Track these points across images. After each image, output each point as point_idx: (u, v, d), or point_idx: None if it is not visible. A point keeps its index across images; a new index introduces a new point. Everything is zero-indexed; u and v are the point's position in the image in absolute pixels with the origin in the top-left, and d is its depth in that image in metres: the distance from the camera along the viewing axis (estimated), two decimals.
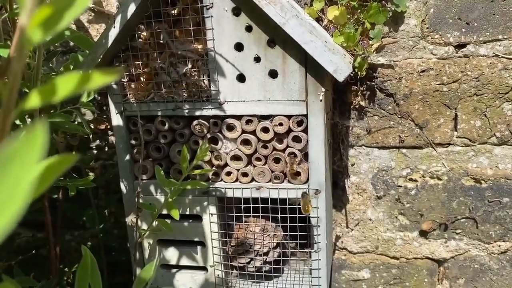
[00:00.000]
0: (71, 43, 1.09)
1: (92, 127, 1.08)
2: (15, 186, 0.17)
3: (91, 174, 1.21)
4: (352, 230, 1.11)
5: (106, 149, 1.20)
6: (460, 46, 0.94)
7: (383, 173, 1.05)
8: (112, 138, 1.20)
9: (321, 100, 0.79)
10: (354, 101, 1.00)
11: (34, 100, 0.27)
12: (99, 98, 1.10)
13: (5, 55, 0.65)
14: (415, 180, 1.04)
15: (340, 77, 0.74)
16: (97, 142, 1.20)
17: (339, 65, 0.74)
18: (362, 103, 0.99)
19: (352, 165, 1.06)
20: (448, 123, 0.98)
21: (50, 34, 0.28)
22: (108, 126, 1.13)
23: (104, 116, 1.11)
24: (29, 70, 0.75)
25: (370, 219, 1.09)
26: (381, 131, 1.02)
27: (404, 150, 1.02)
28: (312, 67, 0.78)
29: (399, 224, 1.08)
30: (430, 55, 0.95)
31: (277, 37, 0.78)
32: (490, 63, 0.93)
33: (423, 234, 1.07)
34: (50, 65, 0.86)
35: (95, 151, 1.20)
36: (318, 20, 0.92)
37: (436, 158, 1.01)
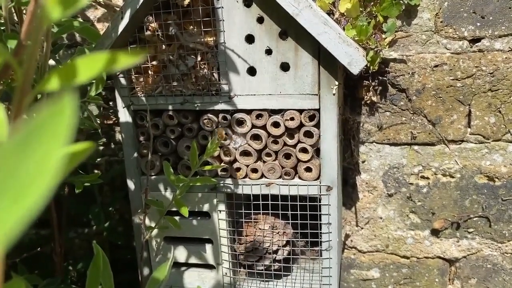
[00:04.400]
0: (78, 37, 1.08)
1: (99, 122, 1.06)
2: (42, 163, 0.15)
3: (96, 171, 1.19)
4: (362, 228, 1.09)
5: (112, 145, 1.18)
6: (474, 40, 0.92)
7: (394, 170, 1.03)
8: (117, 135, 1.18)
9: (334, 94, 0.77)
10: (365, 97, 0.98)
11: (53, 83, 0.25)
12: (104, 93, 1.08)
13: (12, 46, 0.63)
14: (427, 178, 1.02)
15: (355, 69, 0.72)
16: (103, 138, 1.18)
17: (354, 57, 0.71)
18: (374, 99, 0.97)
19: (363, 162, 1.04)
20: (462, 119, 0.96)
21: (69, 12, 0.26)
22: (116, 121, 1.11)
23: (111, 111, 1.09)
24: (36, 62, 0.73)
25: (381, 218, 1.07)
26: (392, 127, 1.00)
27: (416, 147, 1.00)
28: (325, 59, 0.76)
29: (410, 222, 1.05)
30: (444, 50, 0.93)
31: (289, 28, 0.76)
32: (506, 58, 0.91)
33: (435, 233, 1.05)
34: (57, 58, 0.84)
35: (100, 148, 1.18)
36: (329, 13, 0.90)
37: (449, 155, 0.99)
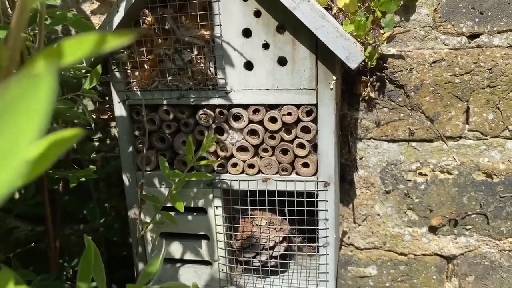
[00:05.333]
0: (73, 31, 1.06)
1: (94, 117, 1.06)
2: (16, 140, 0.14)
3: (91, 166, 1.18)
4: (359, 225, 1.08)
5: (108, 141, 1.17)
6: (473, 36, 0.92)
7: (392, 167, 1.02)
8: (113, 130, 1.17)
9: (331, 89, 0.76)
10: (363, 93, 0.97)
11: (39, 64, 0.24)
12: (100, 88, 1.07)
13: (3, 36, 0.62)
14: (425, 175, 1.01)
15: (353, 64, 0.71)
16: (99, 134, 1.17)
17: (351, 52, 0.71)
18: (372, 95, 0.97)
19: (360, 158, 1.03)
20: (460, 115, 0.96)
21: None
22: (111, 116, 1.10)
23: (106, 106, 1.08)
24: (29, 55, 0.72)
25: (378, 214, 1.06)
26: (390, 124, 0.99)
27: (414, 144, 1.00)
28: (323, 54, 0.75)
29: (407, 219, 1.05)
30: (442, 46, 0.93)
31: (287, 22, 0.75)
32: (504, 54, 0.91)
33: (432, 230, 1.04)
34: None
35: (96, 143, 1.18)
36: (327, 8, 0.90)
37: (447, 151, 0.98)
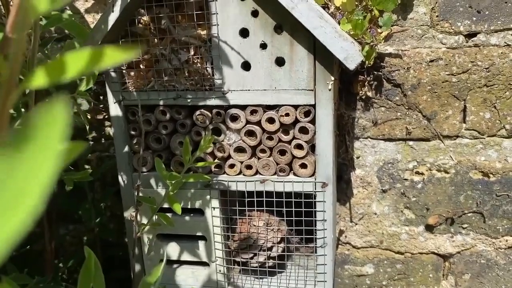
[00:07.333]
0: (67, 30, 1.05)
1: (89, 117, 1.04)
2: (34, 175, 0.13)
3: (86, 166, 1.17)
4: (356, 224, 1.08)
5: (103, 140, 1.16)
6: (470, 35, 0.91)
7: (388, 166, 1.02)
8: (108, 129, 1.16)
9: (330, 89, 0.76)
10: (360, 92, 0.97)
11: (40, 79, 0.23)
12: (95, 87, 1.06)
13: None
14: (422, 173, 1.01)
15: (351, 65, 0.70)
16: (93, 133, 1.16)
17: (350, 52, 0.70)
18: (369, 94, 0.96)
19: (357, 157, 1.03)
20: (457, 114, 0.96)
21: (58, 5, 0.25)
22: (106, 116, 1.09)
23: (101, 106, 1.07)
24: (24, 57, 0.71)
25: (375, 213, 1.06)
26: (387, 123, 0.99)
27: (411, 143, 0.99)
28: (321, 54, 0.74)
29: (404, 218, 1.05)
30: (440, 45, 0.92)
31: (284, 22, 0.74)
32: (501, 53, 0.91)
33: (429, 228, 1.04)
34: (46, 52, 0.82)
35: (91, 143, 1.16)
36: (324, 7, 0.89)
37: (444, 150, 0.98)
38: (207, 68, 0.80)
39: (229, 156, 0.85)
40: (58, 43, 1.05)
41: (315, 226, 0.84)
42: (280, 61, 0.77)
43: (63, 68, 0.23)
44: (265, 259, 0.90)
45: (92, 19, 1.06)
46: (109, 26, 0.76)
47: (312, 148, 0.81)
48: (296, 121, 0.79)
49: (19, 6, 0.35)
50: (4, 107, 0.23)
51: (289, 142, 0.81)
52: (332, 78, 0.75)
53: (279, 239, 0.91)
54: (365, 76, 0.95)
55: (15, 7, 0.35)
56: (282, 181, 0.83)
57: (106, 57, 0.24)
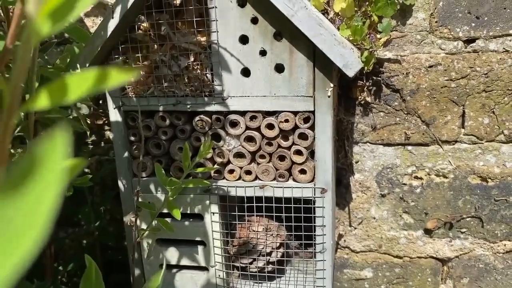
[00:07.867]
0: (66, 34, 1.05)
1: (89, 122, 1.04)
2: (36, 209, 0.14)
3: (86, 170, 1.17)
4: (355, 228, 1.09)
5: (102, 144, 1.16)
6: (469, 41, 0.92)
7: (387, 171, 1.02)
8: (108, 133, 1.16)
9: (329, 96, 0.76)
10: (359, 97, 0.97)
11: (43, 101, 0.23)
12: None
13: (0, 48, 0.61)
14: (421, 178, 1.01)
15: (351, 72, 0.71)
16: (93, 137, 1.16)
17: (349, 60, 0.70)
18: (368, 99, 0.97)
19: (356, 162, 1.03)
20: (456, 120, 0.96)
21: (59, 26, 0.25)
22: (106, 121, 1.09)
23: (101, 110, 1.07)
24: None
25: (374, 218, 1.06)
26: (386, 128, 0.99)
27: (409, 147, 1.00)
28: (320, 61, 0.74)
29: (403, 222, 1.05)
30: (439, 50, 0.93)
31: (284, 29, 0.75)
32: (500, 58, 0.91)
33: (428, 232, 1.05)
34: (46, 57, 0.82)
35: (90, 147, 1.16)
36: (324, 12, 0.89)
37: (442, 155, 0.99)
38: (207, 75, 0.80)
39: (229, 162, 0.85)
40: (58, 47, 1.05)
41: (314, 232, 0.85)
42: (279, 68, 0.77)
43: (66, 90, 0.23)
44: (264, 264, 0.91)
45: (91, 23, 1.06)
46: (109, 33, 0.76)
47: (312, 154, 0.81)
48: (296, 127, 0.80)
49: (19, 18, 0.35)
50: (5, 132, 0.23)
51: (289, 148, 0.82)
52: (332, 85, 0.75)
53: (278, 244, 0.91)
54: (364, 81, 0.96)
55: (15, 19, 0.35)
56: (282, 187, 0.83)
57: (109, 78, 0.24)
